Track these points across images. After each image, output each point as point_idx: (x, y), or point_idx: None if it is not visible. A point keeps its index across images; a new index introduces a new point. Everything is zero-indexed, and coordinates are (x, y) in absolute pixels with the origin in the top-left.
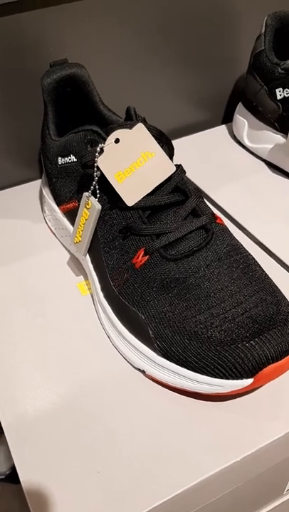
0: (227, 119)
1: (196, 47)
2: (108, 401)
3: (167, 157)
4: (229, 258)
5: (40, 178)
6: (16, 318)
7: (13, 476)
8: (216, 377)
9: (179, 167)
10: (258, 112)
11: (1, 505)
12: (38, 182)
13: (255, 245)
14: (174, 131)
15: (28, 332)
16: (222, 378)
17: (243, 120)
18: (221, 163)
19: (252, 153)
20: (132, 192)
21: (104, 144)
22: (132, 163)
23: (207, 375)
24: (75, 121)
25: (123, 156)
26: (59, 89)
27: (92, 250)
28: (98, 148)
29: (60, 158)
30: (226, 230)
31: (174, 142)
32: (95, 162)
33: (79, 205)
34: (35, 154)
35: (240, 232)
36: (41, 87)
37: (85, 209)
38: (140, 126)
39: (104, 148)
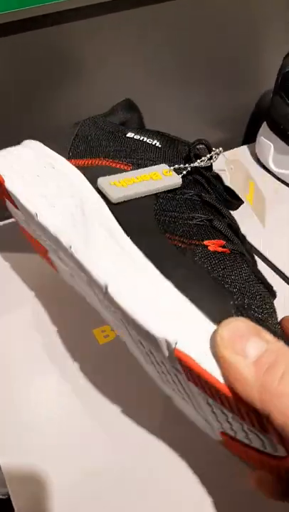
0: (247, 139)
1: (215, 62)
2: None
3: None
4: None
5: None
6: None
7: None
8: None
9: None
10: (286, 136)
11: None
12: None
13: None
14: None
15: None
16: None
17: (268, 143)
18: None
19: (277, 177)
20: None
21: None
22: None
23: None
24: None
25: None
26: None
27: None
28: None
29: None
30: None
31: None
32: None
33: None
34: None
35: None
36: None
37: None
38: None
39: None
